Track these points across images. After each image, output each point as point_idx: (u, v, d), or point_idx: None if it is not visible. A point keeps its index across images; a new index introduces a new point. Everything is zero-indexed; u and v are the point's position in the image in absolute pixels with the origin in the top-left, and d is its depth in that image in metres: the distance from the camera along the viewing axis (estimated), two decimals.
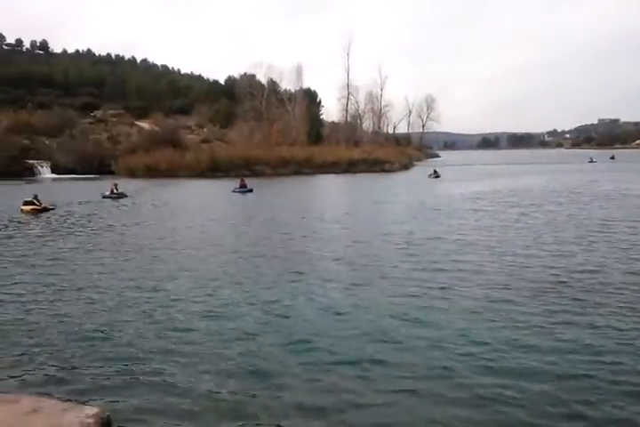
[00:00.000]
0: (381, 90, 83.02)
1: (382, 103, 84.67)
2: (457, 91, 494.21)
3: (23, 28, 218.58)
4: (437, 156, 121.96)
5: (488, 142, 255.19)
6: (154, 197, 29.73)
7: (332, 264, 11.94)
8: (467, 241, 14.24)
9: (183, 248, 14.17)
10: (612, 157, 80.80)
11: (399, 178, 47.70)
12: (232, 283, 10.38)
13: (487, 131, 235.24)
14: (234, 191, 32.35)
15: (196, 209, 23.60)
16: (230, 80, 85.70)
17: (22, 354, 7.05)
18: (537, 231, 15.65)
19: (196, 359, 6.71)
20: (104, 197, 28.78)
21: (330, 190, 38.11)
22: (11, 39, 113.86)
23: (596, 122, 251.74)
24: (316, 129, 73.62)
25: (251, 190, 32.40)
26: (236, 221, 19.74)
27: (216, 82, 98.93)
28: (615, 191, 27.74)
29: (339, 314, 8.34)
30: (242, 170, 48.91)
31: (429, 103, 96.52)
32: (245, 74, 76.19)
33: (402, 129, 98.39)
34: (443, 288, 9.63)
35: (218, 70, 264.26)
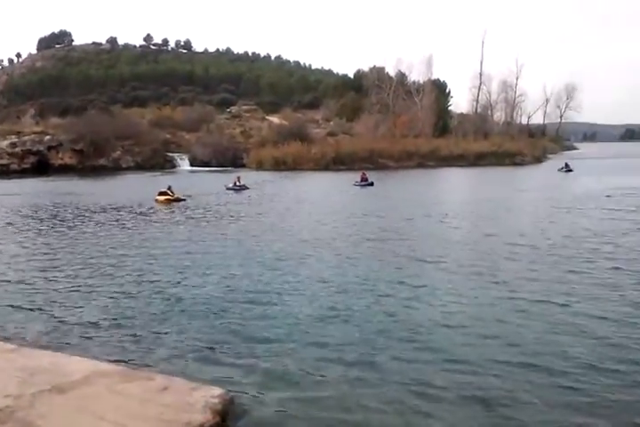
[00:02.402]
0: (517, 79, 78.17)
1: (517, 93, 79.81)
2: (600, 78, 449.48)
3: (169, 30, 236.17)
4: (575, 148, 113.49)
5: (632, 134, 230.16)
6: (275, 190, 30.74)
7: (445, 267, 11.32)
8: (589, 248, 13.01)
9: (304, 239, 14.64)
10: None
11: (528, 172, 45.30)
12: (344, 280, 10.35)
13: (632, 121, 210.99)
14: (355, 185, 32.49)
15: (312, 202, 24.06)
16: (359, 73, 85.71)
17: (158, 333, 7.64)
18: None
19: (325, 350, 6.94)
20: (227, 188, 30.26)
21: (451, 184, 36.97)
22: (158, 39, 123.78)
23: None
24: (443, 121, 71.61)
25: (371, 184, 32.28)
26: (348, 216, 19.63)
27: (345, 76, 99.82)
28: None
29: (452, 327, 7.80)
30: (365, 163, 48.93)
31: (569, 92, 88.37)
32: (374, 67, 76.02)
33: (537, 120, 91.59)
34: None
35: (348, 65, 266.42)
